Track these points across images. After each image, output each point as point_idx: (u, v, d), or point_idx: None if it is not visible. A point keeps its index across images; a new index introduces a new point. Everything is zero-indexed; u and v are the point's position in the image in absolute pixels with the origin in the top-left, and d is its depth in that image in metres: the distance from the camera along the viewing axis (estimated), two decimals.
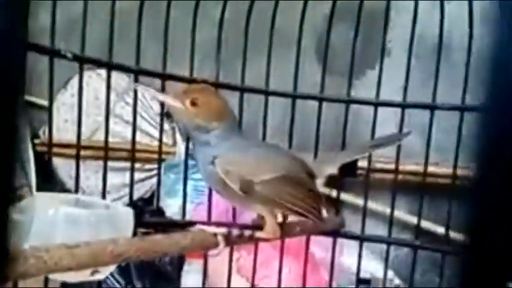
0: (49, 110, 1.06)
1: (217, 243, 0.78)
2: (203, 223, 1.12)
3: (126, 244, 0.63)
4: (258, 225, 0.83)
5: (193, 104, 0.77)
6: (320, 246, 1.35)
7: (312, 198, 0.81)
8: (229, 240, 0.80)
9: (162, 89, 1.07)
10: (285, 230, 0.86)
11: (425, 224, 1.46)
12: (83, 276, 0.73)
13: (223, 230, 0.79)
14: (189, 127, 0.80)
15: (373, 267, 1.62)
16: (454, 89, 1.14)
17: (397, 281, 1.73)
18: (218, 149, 0.77)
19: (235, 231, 0.80)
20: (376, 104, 1.17)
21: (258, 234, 0.81)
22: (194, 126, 0.78)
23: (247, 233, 0.81)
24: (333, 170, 0.89)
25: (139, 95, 1.35)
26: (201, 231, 0.78)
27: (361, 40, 1.19)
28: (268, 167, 0.80)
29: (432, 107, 1.13)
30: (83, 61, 1.01)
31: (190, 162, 1.11)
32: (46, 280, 0.93)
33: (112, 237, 0.65)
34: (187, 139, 1.15)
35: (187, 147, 1.13)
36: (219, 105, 0.79)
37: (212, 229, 0.79)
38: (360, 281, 1.28)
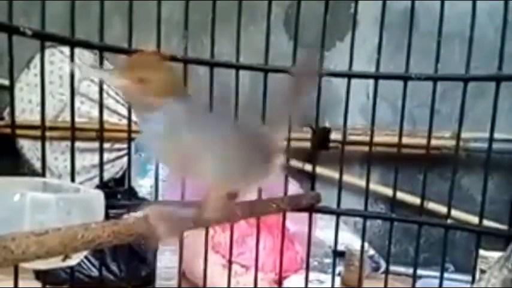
0: (10, 90, 1.02)
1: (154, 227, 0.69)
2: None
3: (97, 229, 0.61)
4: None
5: (139, 80, 0.68)
6: (292, 219, 1.35)
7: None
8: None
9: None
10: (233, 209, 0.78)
11: (398, 195, 1.47)
12: (54, 263, 0.70)
13: (151, 208, 0.70)
14: (137, 107, 0.71)
15: (346, 239, 1.63)
16: (422, 58, 1.13)
17: (371, 252, 1.76)
18: (164, 128, 0.68)
19: (167, 209, 0.72)
20: (350, 76, 1.16)
21: (193, 210, 0.73)
22: (142, 105, 0.69)
23: (181, 211, 0.74)
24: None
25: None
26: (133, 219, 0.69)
27: (328, 11, 1.17)
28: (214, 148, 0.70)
29: (406, 78, 1.13)
30: (44, 38, 0.96)
31: None
32: (16, 267, 0.90)
33: (83, 222, 0.63)
34: None
35: None
36: (168, 80, 0.70)
37: (142, 213, 0.70)
38: (335, 253, 1.28)
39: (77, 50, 1.03)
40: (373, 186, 1.65)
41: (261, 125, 0.81)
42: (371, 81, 1.18)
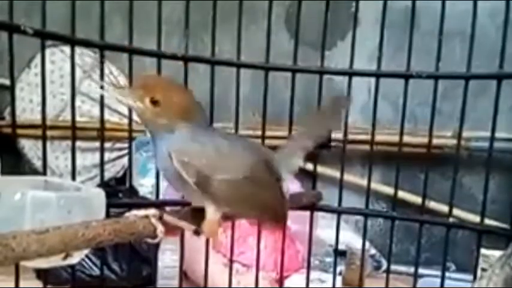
0: (11, 89, 1.02)
1: (154, 227, 0.70)
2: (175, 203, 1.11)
3: (98, 227, 0.61)
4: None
5: (153, 102, 0.68)
6: (294, 218, 1.35)
7: (274, 203, 0.75)
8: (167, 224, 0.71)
9: (130, 64, 1.04)
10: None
11: (399, 194, 1.47)
12: (55, 261, 0.70)
13: (153, 211, 0.70)
14: (152, 128, 0.70)
15: (347, 238, 1.63)
16: (423, 57, 1.13)
17: (372, 251, 1.75)
18: (178, 142, 0.69)
19: (168, 217, 0.72)
20: (351, 74, 1.16)
21: (193, 227, 0.74)
22: (157, 126, 0.69)
23: (181, 223, 0.73)
24: (299, 162, 0.81)
25: (106, 71, 1.32)
26: (134, 217, 0.70)
27: (329, 10, 1.17)
28: (230, 165, 0.71)
29: (407, 76, 1.12)
30: (45, 37, 0.96)
31: None
32: (17, 267, 0.90)
33: (84, 221, 0.63)
34: None
35: None
36: (183, 102, 0.70)
37: (143, 212, 0.70)
38: (336, 252, 1.28)
39: (78, 51, 1.03)
40: (374, 185, 1.65)
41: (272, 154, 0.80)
42: (372, 80, 1.18)
